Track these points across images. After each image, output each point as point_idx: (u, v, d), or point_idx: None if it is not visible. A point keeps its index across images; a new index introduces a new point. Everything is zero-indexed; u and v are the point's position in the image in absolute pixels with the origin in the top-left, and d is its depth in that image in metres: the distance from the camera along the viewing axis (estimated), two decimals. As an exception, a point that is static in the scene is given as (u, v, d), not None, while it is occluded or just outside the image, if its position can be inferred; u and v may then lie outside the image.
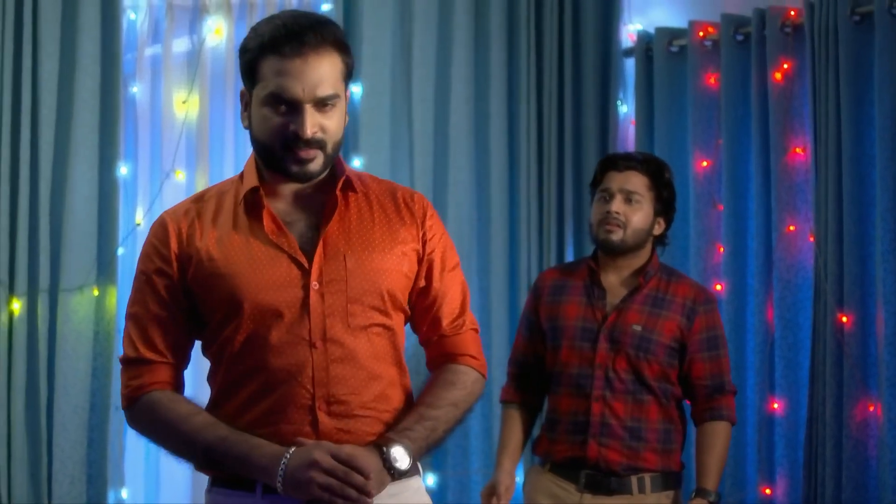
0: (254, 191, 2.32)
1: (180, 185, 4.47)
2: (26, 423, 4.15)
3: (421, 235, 2.39)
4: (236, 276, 2.26)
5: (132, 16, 4.46)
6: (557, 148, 4.83)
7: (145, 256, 2.35)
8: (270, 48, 2.23)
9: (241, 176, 2.37)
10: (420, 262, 2.39)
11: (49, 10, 4.24)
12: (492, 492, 3.49)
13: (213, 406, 2.32)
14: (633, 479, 3.42)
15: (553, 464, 3.51)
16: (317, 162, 2.27)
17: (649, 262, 3.54)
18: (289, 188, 2.34)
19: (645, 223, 3.50)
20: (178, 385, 2.37)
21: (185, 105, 4.46)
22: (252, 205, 2.32)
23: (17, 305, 4.17)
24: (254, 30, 2.28)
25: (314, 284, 2.27)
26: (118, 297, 4.31)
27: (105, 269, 4.29)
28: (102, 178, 4.31)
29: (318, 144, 2.26)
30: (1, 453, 4.09)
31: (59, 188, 4.25)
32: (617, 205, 3.48)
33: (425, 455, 2.34)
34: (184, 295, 2.32)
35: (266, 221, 2.30)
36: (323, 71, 2.23)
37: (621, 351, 3.43)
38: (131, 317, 2.36)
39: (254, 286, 2.25)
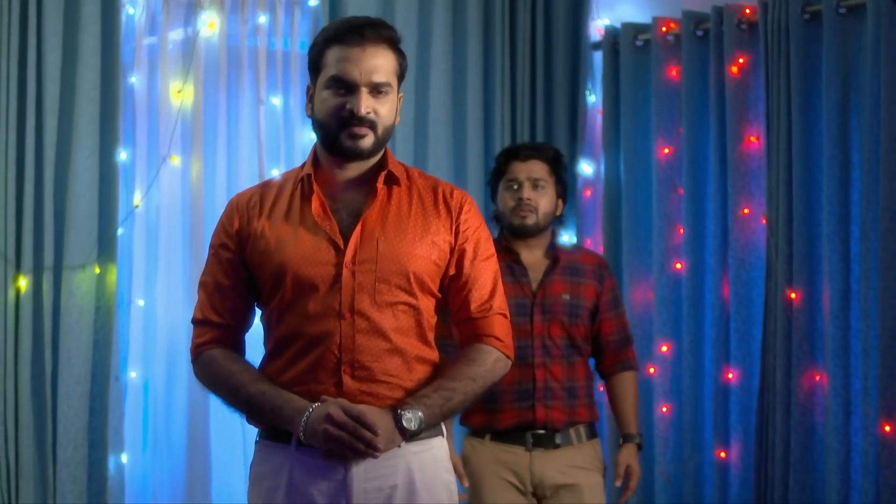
0: (307, 178, 2.57)
1: (176, 169, 4.52)
2: (32, 393, 4.18)
3: (454, 228, 2.60)
4: (282, 252, 2.52)
5: (130, 10, 4.47)
6: (530, 136, 4.96)
7: (215, 233, 2.63)
8: (335, 39, 2.52)
9: (304, 165, 2.63)
10: (452, 252, 2.59)
11: (52, 5, 4.25)
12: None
13: (264, 365, 2.58)
14: (572, 432, 3.70)
15: (494, 433, 3.71)
16: (367, 140, 2.52)
17: (555, 239, 3.81)
18: (340, 176, 2.58)
19: (551, 206, 3.77)
20: (236, 345, 2.62)
21: (180, 94, 4.51)
22: (305, 190, 2.57)
23: (23, 282, 4.18)
24: (323, 29, 2.57)
25: (347, 263, 2.50)
26: (118, 275, 4.34)
27: (105, 248, 4.33)
28: (103, 163, 4.34)
29: (370, 124, 2.51)
30: (9, 421, 4.11)
31: (62, 173, 4.28)
32: (527, 192, 3.73)
33: (440, 420, 2.55)
34: (242, 267, 2.58)
35: (314, 205, 2.55)
36: (379, 61, 2.50)
37: (554, 319, 3.68)
38: (201, 284, 2.63)
39: (296, 262, 2.50)
